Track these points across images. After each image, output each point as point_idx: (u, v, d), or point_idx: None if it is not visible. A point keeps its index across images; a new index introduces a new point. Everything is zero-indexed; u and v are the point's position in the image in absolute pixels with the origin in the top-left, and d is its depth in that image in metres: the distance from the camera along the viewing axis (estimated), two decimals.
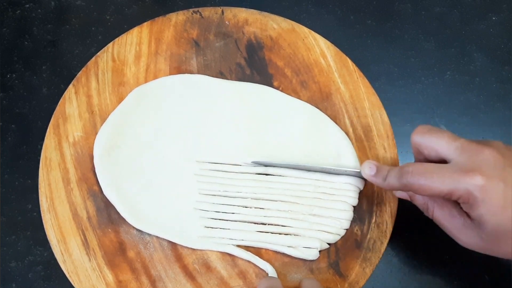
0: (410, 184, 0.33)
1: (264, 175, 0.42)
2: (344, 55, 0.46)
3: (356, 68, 0.45)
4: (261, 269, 0.39)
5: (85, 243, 0.39)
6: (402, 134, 0.44)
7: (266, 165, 0.42)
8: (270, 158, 0.42)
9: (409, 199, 0.37)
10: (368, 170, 0.37)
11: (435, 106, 0.49)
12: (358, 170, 0.39)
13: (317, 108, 0.44)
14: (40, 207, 0.40)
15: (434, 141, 0.34)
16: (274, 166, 0.42)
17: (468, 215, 0.33)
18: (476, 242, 0.32)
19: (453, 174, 0.31)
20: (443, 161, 0.33)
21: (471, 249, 0.33)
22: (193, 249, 0.39)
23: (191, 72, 0.45)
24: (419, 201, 0.36)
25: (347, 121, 0.44)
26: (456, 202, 0.34)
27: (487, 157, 0.31)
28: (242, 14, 0.48)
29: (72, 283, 0.38)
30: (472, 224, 0.32)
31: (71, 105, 0.44)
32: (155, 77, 0.45)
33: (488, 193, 0.30)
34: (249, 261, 0.39)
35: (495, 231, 0.31)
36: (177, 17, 0.47)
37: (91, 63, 0.45)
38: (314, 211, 0.40)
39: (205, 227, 0.40)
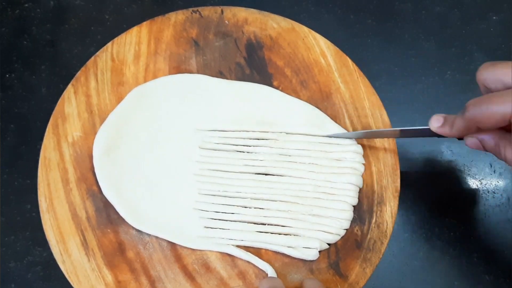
0: (473, 116, 0.31)
1: (264, 175, 0.42)
2: (344, 55, 0.46)
3: (356, 68, 0.45)
4: (260, 269, 0.39)
5: (84, 244, 0.39)
6: None
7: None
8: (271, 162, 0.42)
9: (482, 149, 0.35)
10: (437, 123, 0.35)
11: (435, 106, 0.49)
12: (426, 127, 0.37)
13: (317, 108, 0.44)
14: (39, 207, 0.40)
15: (500, 72, 0.32)
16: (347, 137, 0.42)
17: None
18: None
19: None
20: None
21: None
22: (193, 249, 0.39)
23: (190, 72, 0.45)
24: (489, 144, 0.34)
25: (347, 121, 0.44)
26: None
27: None
28: (242, 13, 0.47)
29: (71, 284, 0.38)
30: None
31: (70, 105, 0.43)
32: (155, 76, 0.45)
33: None
34: (248, 262, 0.39)
35: None
36: (177, 17, 0.47)
37: (90, 62, 0.45)
38: (314, 211, 0.40)
39: (205, 227, 0.40)
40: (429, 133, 0.37)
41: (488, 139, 0.34)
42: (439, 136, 0.36)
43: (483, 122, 0.31)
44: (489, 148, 0.34)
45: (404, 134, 0.40)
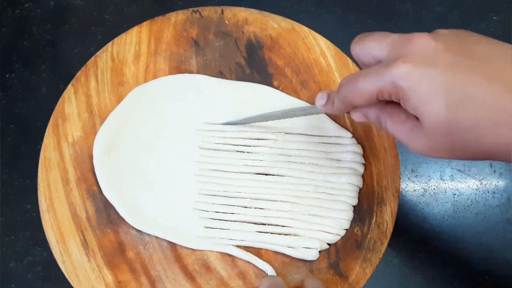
0: (346, 97, 0.31)
1: (264, 175, 0.42)
2: (344, 55, 0.46)
3: (356, 68, 0.45)
4: (260, 269, 0.39)
5: (85, 244, 0.39)
6: None
7: (235, 124, 0.42)
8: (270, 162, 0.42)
9: (367, 122, 0.35)
10: (321, 101, 0.35)
11: None
12: (314, 105, 0.37)
13: None
14: (39, 207, 0.40)
15: (367, 44, 0.31)
16: (241, 124, 0.42)
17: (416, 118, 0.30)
18: (423, 143, 0.30)
19: (378, 70, 0.29)
20: None
21: (424, 155, 0.31)
22: (193, 250, 0.39)
23: (190, 72, 0.45)
24: (372, 118, 0.33)
25: (347, 121, 0.44)
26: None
27: (415, 45, 0.28)
28: (242, 13, 0.47)
29: (72, 284, 0.38)
30: (418, 124, 0.30)
31: (70, 105, 0.43)
32: (155, 76, 0.45)
33: (415, 80, 0.27)
34: (248, 262, 0.39)
35: (433, 123, 0.28)
36: (177, 17, 0.47)
37: (90, 62, 0.45)
38: (314, 211, 0.40)
39: (205, 227, 0.40)
40: (318, 111, 0.37)
41: (370, 112, 0.33)
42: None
43: (354, 101, 0.31)
44: (372, 121, 0.34)
45: (292, 114, 0.40)
